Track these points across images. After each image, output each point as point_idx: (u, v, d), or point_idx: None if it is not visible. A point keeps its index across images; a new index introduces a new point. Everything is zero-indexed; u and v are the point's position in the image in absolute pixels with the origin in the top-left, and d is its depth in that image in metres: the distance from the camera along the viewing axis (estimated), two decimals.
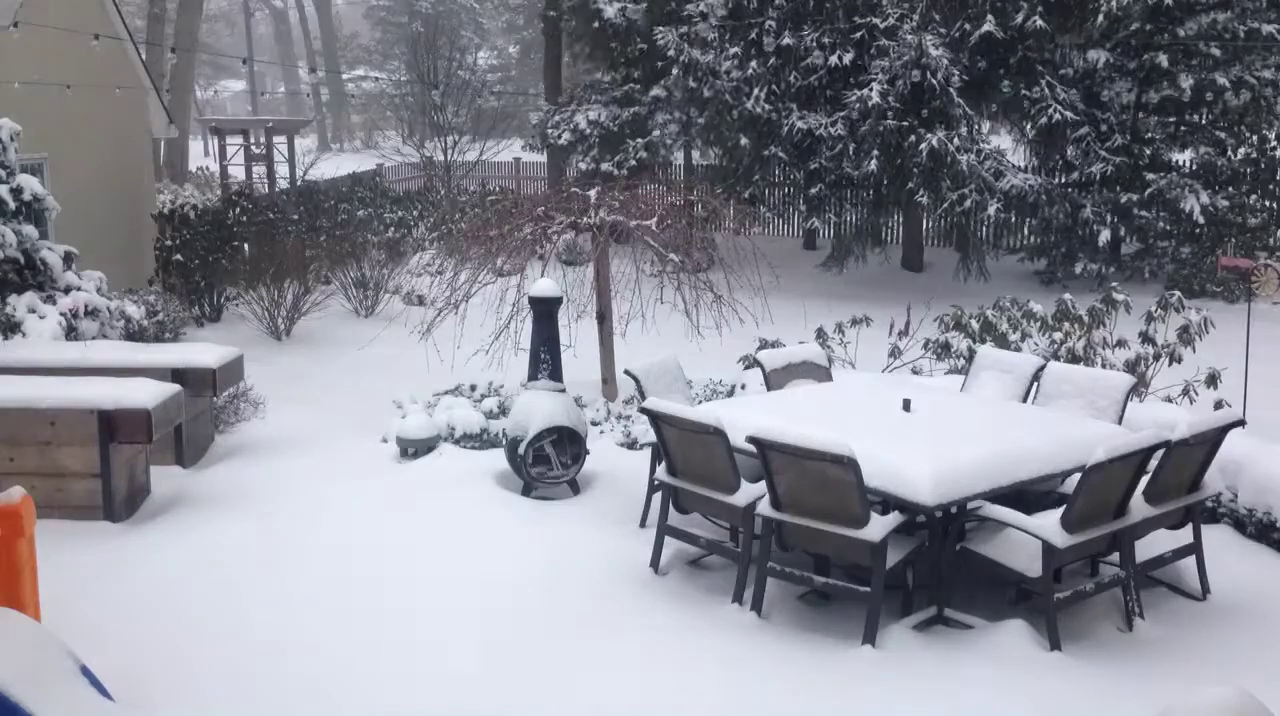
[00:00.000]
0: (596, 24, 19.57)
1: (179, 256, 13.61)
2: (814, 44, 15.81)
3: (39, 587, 4.66)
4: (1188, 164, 15.96)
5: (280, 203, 16.19)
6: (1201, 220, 14.64)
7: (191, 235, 13.74)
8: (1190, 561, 5.61)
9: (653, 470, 6.52)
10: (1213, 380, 7.81)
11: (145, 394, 6.74)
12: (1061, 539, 4.91)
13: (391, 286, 14.44)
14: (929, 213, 16.91)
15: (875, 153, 14.96)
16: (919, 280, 16.34)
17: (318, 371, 11.16)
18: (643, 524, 6.57)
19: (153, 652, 4.91)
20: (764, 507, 5.31)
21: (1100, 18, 14.91)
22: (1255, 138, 15.59)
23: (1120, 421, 6.16)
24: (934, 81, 14.51)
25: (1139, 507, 5.25)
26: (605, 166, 18.68)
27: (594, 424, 8.61)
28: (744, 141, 16.37)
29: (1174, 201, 14.89)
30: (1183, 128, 15.60)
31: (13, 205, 9.30)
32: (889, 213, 17.65)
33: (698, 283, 9.71)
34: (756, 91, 16.07)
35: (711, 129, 17.90)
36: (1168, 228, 15.44)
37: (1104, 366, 8.20)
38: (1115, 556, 5.33)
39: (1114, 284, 9.42)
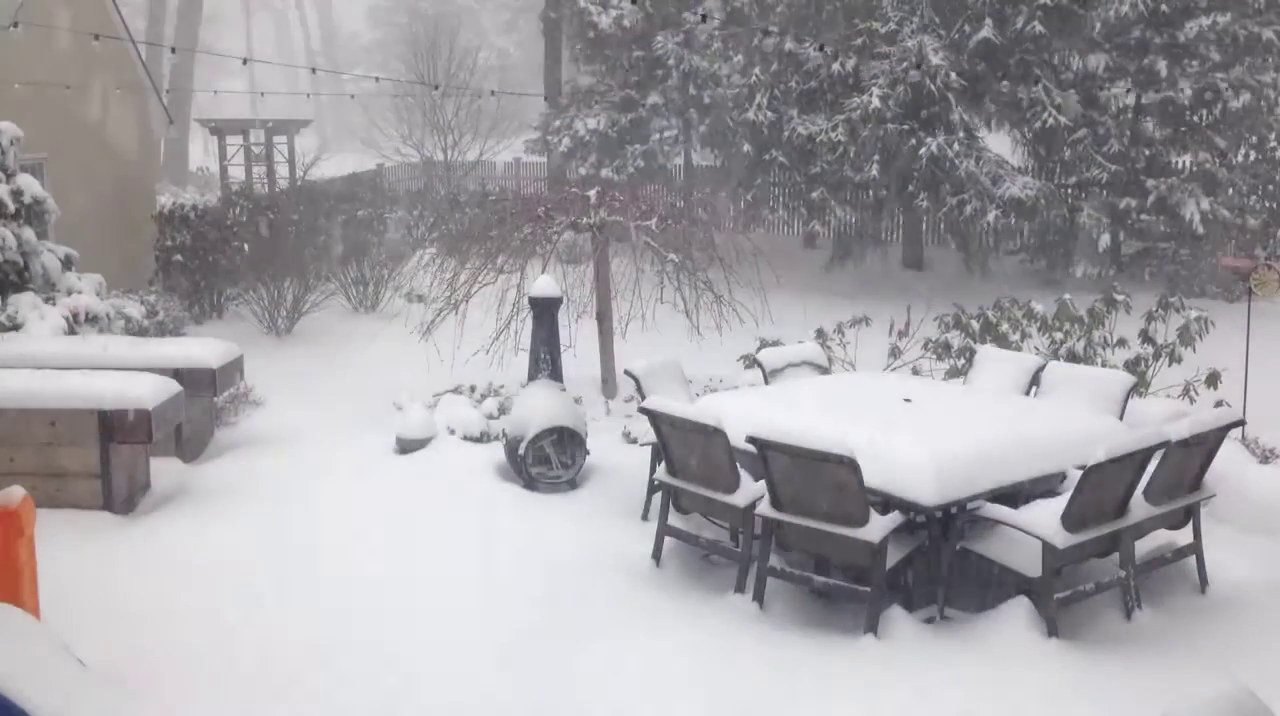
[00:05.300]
0: (592, 34, 19.55)
1: (179, 257, 13.62)
2: (814, 50, 15.82)
3: (38, 585, 4.66)
4: (1187, 166, 15.94)
5: (280, 203, 16.17)
6: (1201, 230, 14.65)
7: (191, 235, 13.75)
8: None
9: (653, 468, 6.53)
10: (1213, 380, 7.80)
11: (146, 394, 6.73)
12: (1061, 538, 4.91)
13: (392, 285, 14.45)
14: (929, 215, 16.92)
15: (876, 158, 14.96)
16: (919, 279, 16.33)
17: (318, 368, 11.15)
18: (644, 517, 6.58)
19: (151, 647, 4.91)
20: (764, 508, 5.31)
21: (1098, 25, 14.90)
22: (1255, 138, 15.57)
23: (1120, 420, 6.17)
24: (933, 87, 14.53)
25: (1139, 507, 5.26)
26: (605, 172, 18.71)
27: (593, 421, 8.61)
28: (746, 148, 16.40)
29: (1174, 207, 14.89)
30: (1182, 129, 15.58)
31: (12, 208, 9.30)
32: (890, 216, 17.67)
33: (698, 282, 9.71)
34: (759, 98, 16.07)
35: (714, 135, 17.92)
36: (1167, 230, 15.42)
37: (1104, 366, 8.20)
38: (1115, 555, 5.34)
39: (1114, 284, 9.42)
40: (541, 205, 10.01)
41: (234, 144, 23.53)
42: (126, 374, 7.13)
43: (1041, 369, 6.80)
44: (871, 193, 16.58)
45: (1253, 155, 15.77)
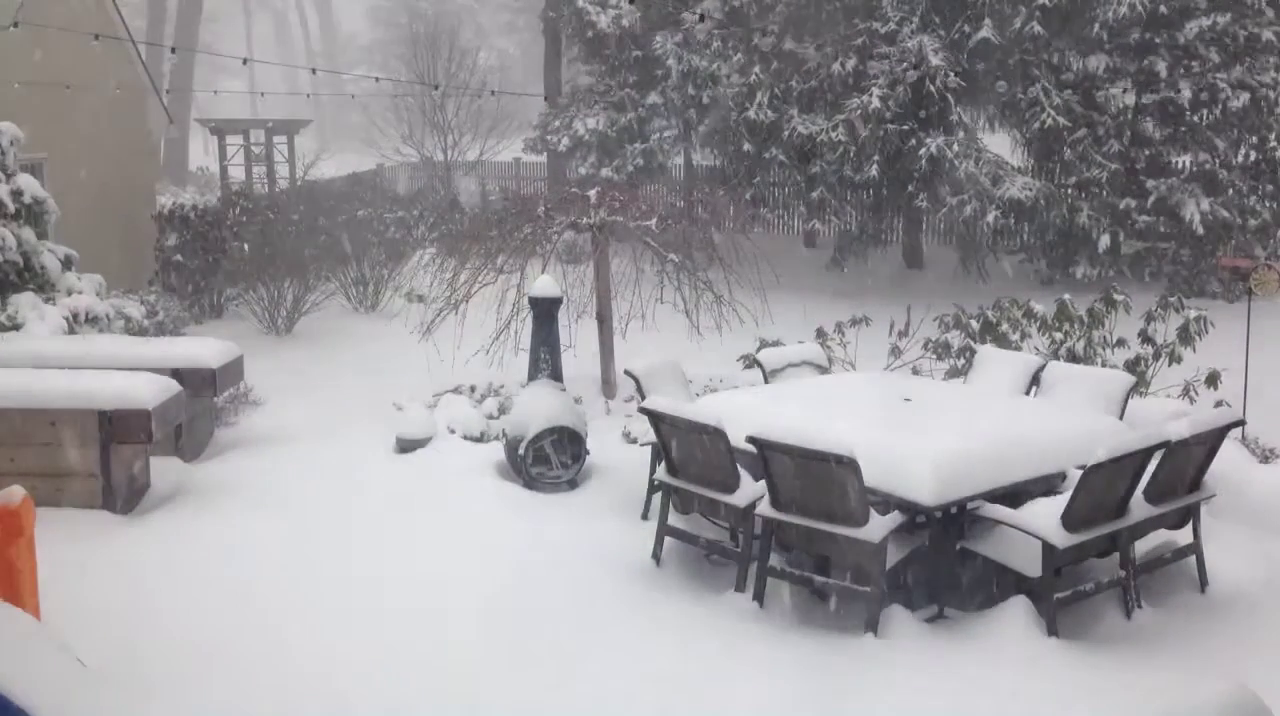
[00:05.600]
0: (590, 34, 19.54)
1: (179, 257, 13.62)
2: (814, 50, 15.83)
3: (38, 585, 4.66)
4: (1187, 166, 15.93)
5: (280, 203, 16.19)
6: (1201, 231, 14.65)
7: (191, 236, 13.75)
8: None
9: (653, 468, 6.53)
10: (1213, 380, 7.80)
11: (146, 394, 6.73)
12: (1061, 538, 4.92)
13: (392, 285, 14.45)
14: (929, 215, 16.94)
15: (876, 158, 14.97)
16: (919, 278, 16.34)
17: (318, 368, 11.15)
18: (644, 516, 6.58)
19: (152, 647, 4.91)
20: (764, 508, 5.31)
21: (1098, 26, 14.91)
22: (1255, 138, 15.57)
23: (1120, 420, 6.17)
24: (933, 87, 14.54)
25: (1139, 507, 5.26)
26: (605, 171, 18.70)
27: (593, 421, 8.61)
28: (746, 147, 16.39)
29: (1174, 207, 14.89)
30: (1182, 129, 15.57)
31: (12, 208, 9.29)
32: (890, 216, 17.68)
33: (698, 282, 9.72)
34: (759, 97, 16.07)
35: (714, 134, 17.94)
36: (1167, 230, 15.42)
37: (1104, 366, 8.20)
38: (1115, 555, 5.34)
39: (1114, 284, 9.42)
40: (542, 205, 10.01)
41: (234, 144, 23.52)
42: (126, 374, 7.13)
43: (1041, 369, 6.80)
44: (871, 193, 16.57)
45: (1253, 155, 15.76)
